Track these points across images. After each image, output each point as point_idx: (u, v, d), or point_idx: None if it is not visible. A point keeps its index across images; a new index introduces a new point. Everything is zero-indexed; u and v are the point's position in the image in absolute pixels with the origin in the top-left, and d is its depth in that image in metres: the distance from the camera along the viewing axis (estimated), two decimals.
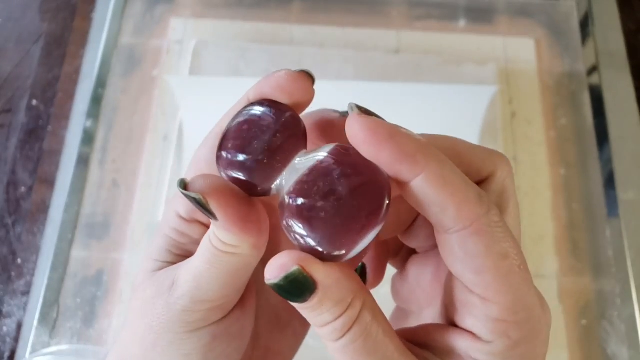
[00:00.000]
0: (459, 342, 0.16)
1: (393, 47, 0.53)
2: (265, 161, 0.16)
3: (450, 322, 0.17)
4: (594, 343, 0.43)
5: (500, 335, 0.15)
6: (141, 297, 0.19)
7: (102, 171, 0.48)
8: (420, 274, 0.21)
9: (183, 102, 0.48)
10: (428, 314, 0.20)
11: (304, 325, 0.23)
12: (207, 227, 0.19)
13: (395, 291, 0.22)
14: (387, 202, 0.15)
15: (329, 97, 0.49)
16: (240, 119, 0.17)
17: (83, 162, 0.48)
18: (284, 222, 0.15)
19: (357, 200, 0.15)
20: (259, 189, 0.17)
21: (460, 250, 0.15)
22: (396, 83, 0.50)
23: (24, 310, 0.43)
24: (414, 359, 0.16)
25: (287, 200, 0.15)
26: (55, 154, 0.48)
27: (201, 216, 0.19)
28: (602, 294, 0.45)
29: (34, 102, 0.51)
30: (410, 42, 0.53)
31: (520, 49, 0.53)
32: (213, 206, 0.16)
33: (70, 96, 0.51)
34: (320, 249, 0.15)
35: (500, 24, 0.55)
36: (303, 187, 0.15)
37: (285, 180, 0.16)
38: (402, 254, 0.22)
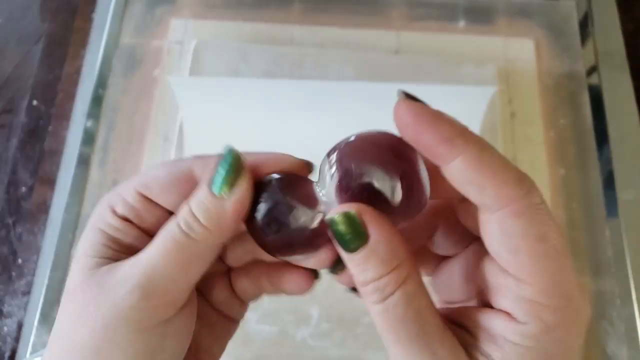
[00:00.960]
0: (495, 322, 0.16)
1: (393, 47, 0.53)
2: (300, 211, 0.18)
3: (486, 306, 0.17)
4: (593, 343, 0.43)
5: (534, 317, 0.15)
6: (80, 299, 0.17)
7: (103, 171, 0.48)
8: (452, 274, 0.21)
9: (183, 102, 0.48)
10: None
11: (233, 323, 0.23)
12: (141, 230, 0.19)
13: (437, 285, 0.22)
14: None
15: (329, 97, 0.50)
16: (264, 206, 0.18)
17: (84, 162, 0.48)
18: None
19: (388, 172, 0.17)
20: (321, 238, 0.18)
21: (499, 229, 0.15)
22: (396, 83, 0.50)
23: (24, 310, 0.43)
24: (451, 337, 0.16)
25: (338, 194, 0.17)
26: (56, 154, 0.49)
27: (138, 221, 0.19)
28: (602, 294, 0.45)
29: (35, 102, 0.51)
30: (410, 42, 0.54)
31: (520, 49, 0.53)
32: (239, 185, 0.17)
33: (70, 96, 0.51)
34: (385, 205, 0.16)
35: (500, 25, 0.55)
36: (342, 187, 0.17)
37: (323, 204, 0.17)
38: (431, 260, 0.22)
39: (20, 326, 0.43)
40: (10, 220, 0.47)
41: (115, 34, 0.53)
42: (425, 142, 0.15)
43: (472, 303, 0.19)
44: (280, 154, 0.19)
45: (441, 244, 0.21)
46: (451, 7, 0.55)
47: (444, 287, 0.21)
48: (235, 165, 0.17)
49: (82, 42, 0.53)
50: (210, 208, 0.17)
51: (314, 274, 0.21)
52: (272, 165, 0.18)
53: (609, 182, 0.48)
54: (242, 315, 0.23)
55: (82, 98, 0.50)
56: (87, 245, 0.19)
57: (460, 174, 0.15)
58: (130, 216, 0.19)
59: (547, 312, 0.15)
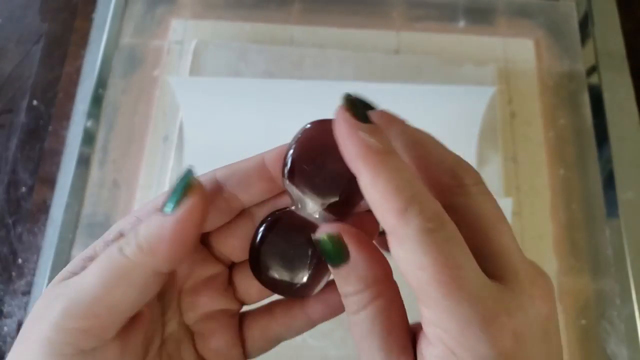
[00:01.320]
0: (424, 345, 0.17)
1: (393, 47, 0.53)
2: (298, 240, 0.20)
3: None
4: (593, 343, 0.43)
5: (438, 340, 0.15)
6: (37, 305, 0.17)
7: (103, 171, 0.48)
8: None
9: (183, 102, 0.48)
10: None
11: None
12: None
13: None
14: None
15: (329, 98, 0.49)
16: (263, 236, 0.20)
17: (84, 162, 0.48)
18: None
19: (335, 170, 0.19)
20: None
21: (394, 252, 0.16)
22: (396, 83, 0.51)
23: (24, 310, 0.43)
24: (411, 353, 0.17)
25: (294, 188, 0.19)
26: (56, 154, 0.49)
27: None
28: (602, 293, 0.45)
29: (35, 102, 0.51)
30: (409, 42, 0.54)
31: (520, 49, 0.53)
32: (188, 199, 0.17)
33: (70, 96, 0.51)
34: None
35: (500, 25, 0.55)
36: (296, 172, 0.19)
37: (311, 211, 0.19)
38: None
39: (20, 326, 0.43)
40: (10, 220, 0.47)
41: (115, 34, 0.53)
42: (344, 153, 0.16)
43: None
44: (241, 164, 0.20)
45: None
46: (451, 7, 0.55)
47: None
48: (185, 184, 0.17)
49: (82, 42, 0.53)
50: (150, 226, 0.17)
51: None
52: (235, 180, 0.19)
53: (609, 182, 0.48)
54: (259, 350, 0.22)
55: (82, 98, 0.50)
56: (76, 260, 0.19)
57: (364, 193, 0.16)
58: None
59: (447, 338, 0.15)
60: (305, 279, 0.19)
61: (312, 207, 0.19)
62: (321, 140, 0.19)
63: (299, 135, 0.20)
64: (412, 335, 0.18)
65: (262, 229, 0.20)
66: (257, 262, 0.20)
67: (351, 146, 0.16)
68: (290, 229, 0.20)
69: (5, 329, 0.43)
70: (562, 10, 0.56)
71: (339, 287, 0.18)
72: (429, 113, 0.48)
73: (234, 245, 0.21)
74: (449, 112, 0.48)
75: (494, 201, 0.18)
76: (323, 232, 0.18)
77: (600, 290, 0.45)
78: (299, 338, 0.45)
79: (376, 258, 0.18)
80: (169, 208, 0.17)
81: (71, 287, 0.17)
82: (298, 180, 0.19)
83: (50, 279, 0.43)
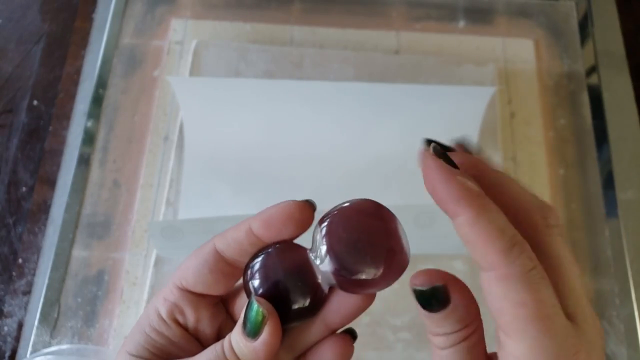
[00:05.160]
0: None
1: (393, 47, 0.53)
2: (299, 284, 0.20)
3: None
4: None
5: None
6: None
7: (103, 171, 0.48)
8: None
9: (183, 102, 0.48)
10: None
11: None
12: (186, 330, 0.22)
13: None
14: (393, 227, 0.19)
15: (329, 98, 0.50)
16: (254, 278, 0.21)
17: (84, 162, 0.48)
18: (348, 281, 0.19)
19: (371, 235, 0.19)
20: (318, 301, 0.20)
21: (486, 287, 0.17)
22: (396, 83, 0.51)
23: (25, 310, 0.43)
24: None
25: (334, 272, 0.19)
26: (56, 154, 0.49)
27: (182, 318, 0.22)
28: (601, 293, 0.45)
29: (35, 102, 0.51)
30: (409, 42, 0.54)
31: (520, 49, 0.53)
32: (267, 331, 0.19)
33: (71, 96, 0.51)
34: (366, 277, 0.19)
35: (500, 25, 0.55)
36: (334, 255, 0.19)
37: (322, 272, 0.20)
38: None
39: (20, 326, 0.43)
40: (10, 220, 0.47)
41: (115, 34, 0.53)
42: (437, 197, 0.17)
43: None
44: (284, 205, 0.20)
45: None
46: (451, 7, 0.55)
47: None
48: (256, 317, 0.19)
49: (83, 42, 0.53)
50: (244, 350, 0.19)
51: (351, 334, 0.22)
52: (280, 221, 0.20)
53: (608, 182, 0.48)
54: None
55: (83, 98, 0.50)
56: (131, 344, 0.21)
57: (460, 231, 0.17)
58: (173, 315, 0.21)
59: None
60: (307, 303, 0.20)
61: (325, 268, 0.20)
62: (368, 219, 0.19)
63: (346, 205, 0.20)
64: None
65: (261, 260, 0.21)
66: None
67: (451, 189, 0.17)
68: (290, 263, 0.20)
69: (6, 328, 0.43)
70: (562, 10, 0.56)
71: (431, 327, 0.18)
72: (428, 113, 0.48)
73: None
74: (448, 112, 0.48)
75: (566, 243, 0.19)
76: (424, 283, 0.18)
77: (599, 290, 0.45)
78: None
79: (470, 295, 0.18)
80: (250, 335, 0.19)
81: None
82: (334, 241, 0.19)
83: (51, 278, 0.43)
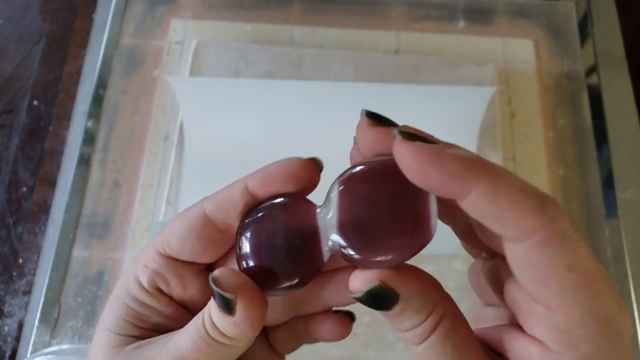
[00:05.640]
0: (529, 351, 0.16)
1: (393, 47, 0.53)
2: (298, 243, 0.17)
3: (520, 327, 0.17)
4: None
5: (568, 346, 0.15)
6: None
7: (103, 171, 0.48)
8: (483, 279, 0.20)
9: (184, 102, 0.48)
10: (502, 312, 0.20)
11: None
12: (172, 299, 0.19)
13: (470, 281, 0.22)
14: (431, 203, 0.16)
15: (329, 98, 0.50)
16: (247, 233, 0.18)
17: (84, 162, 0.48)
18: (353, 256, 0.16)
19: (394, 202, 0.16)
20: (315, 267, 0.17)
21: (524, 260, 0.14)
22: (396, 84, 0.51)
23: (25, 310, 0.43)
24: None
25: (342, 246, 0.16)
26: (57, 154, 0.49)
27: (165, 287, 0.19)
28: None
29: (35, 102, 0.51)
30: (409, 42, 0.54)
31: (519, 49, 0.53)
32: (240, 307, 0.16)
33: (71, 96, 0.51)
34: (388, 256, 0.16)
35: (499, 25, 0.55)
36: (345, 226, 0.16)
37: (327, 237, 0.17)
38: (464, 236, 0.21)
39: (20, 326, 0.43)
40: (10, 220, 0.47)
41: (115, 34, 0.53)
42: (433, 184, 0.14)
43: (505, 315, 0.19)
44: (286, 162, 0.18)
45: (464, 240, 0.20)
46: (451, 8, 0.55)
47: (479, 286, 0.21)
48: (223, 298, 0.16)
49: (83, 42, 0.53)
50: (225, 325, 0.17)
51: (349, 317, 0.20)
52: (279, 179, 0.18)
53: (608, 182, 0.48)
54: (289, 349, 0.22)
55: (83, 98, 0.50)
56: (111, 319, 0.18)
57: (477, 208, 0.14)
58: (155, 284, 0.19)
59: (583, 342, 0.14)
60: (300, 275, 0.18)
61: (334, 240, 0.16)
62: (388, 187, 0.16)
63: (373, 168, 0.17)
64: (480, 341, 0.17)
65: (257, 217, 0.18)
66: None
67: (448, 169, 0.14)
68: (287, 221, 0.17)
69: (6, 328, 0.43)
70: (562, 10, 0.56)
71: (394, 325, 0.16)
72: (428, 113, 0.48)
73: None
74: (448, 112, 0.48)
75: None
76: (359, 289, 0.16)
77: None
78: None
79: (425, 279, 0.16)
80: (226, 313, 0.17)
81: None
82: (346, 213, 0.16)
83: (51, 278, 0.43)
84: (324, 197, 0.17)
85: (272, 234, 0.17)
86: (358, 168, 0.16)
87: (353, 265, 0.16)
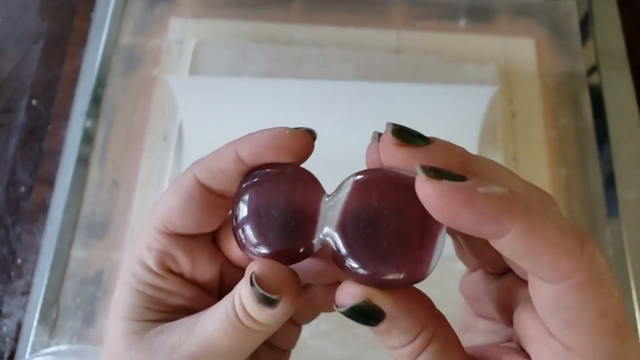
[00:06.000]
0: None
1: (393, 46, 0.53)
2: (294, 224, 0.16)
3: (522, 348, 0.16)
4: None
5: None
6: None
7: (102, 171, 0.48)
8: (485, 292, 0.19)
9: (183, 102, 0.48)
10: (497, 327, 0.19)
11: (284, 356, 0.22)
12: (183, 278, 0.19)
13: (464, 291, 0.21)
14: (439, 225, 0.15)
15: (329, 97, 0.49)
16: (249, 192, 0.17)
17: (83, 161, 0.48)
18: (342, 262, 0.15)
19: (403, 224, 0.15)
20: (301, 251, 0.16)
21: (554, 300, 0.14)
22: (396, 83, 0.50)
23: (23, 310, 0.43)
24: None
25: (336, 245, 0.15)
26: (55, 154, 0.48)
27: (175, 266, 0.18)
28: None
29: (34, 101, 0.51)
30: (410, 41, 0.53)
31: (521, 49, 0.53)
32: (282, 303, 0.16)
33: (70, 96, 0.51)
34: (380, 277, 0.15)
35: (501, 24, 0.55)
36: (347, 228, 0.15)
37: (324, 230, 0.16)
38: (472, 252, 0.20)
39: (19, 326, 0.43)
40: (9, 220, 0.47)
41: (114, 33, 0.52)
42: (464, 226, 0.13)
43: (507, 330, 0.18)
44: (277, 133, 0.17)
45: (473, 255, 0.19)
46: (452, 6, 0.55)
47: (475, 298, 0.20)
48: (267, 297, 0.16)
49: (82, 41, 0.53)
50: (261, 314, 0.16)
51: None
52: (273, 151, 0.17)
53: (609, 181, 0.48)
54: (294, 344, 0.22)
55: (81, 97, 0.50)
56: (125, 307, 0.18)
57: (511, 249, 0.13)
58: (164, 264, 0.18)
59: None
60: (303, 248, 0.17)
61: (329, 236, 0.16)
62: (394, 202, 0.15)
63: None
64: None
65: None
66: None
67: (482, 209, 0.13)
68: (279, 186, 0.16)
69: (5, 329, 0.43)
70: (563, 9, 0.56)
71: (382, 341, 0.16)
72: (429, 113, 0.48)
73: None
74: (449, 111, 0.48)
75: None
76: (343, 304, 0.15)
77: None
78: None
79: (415, 298, 0.15)
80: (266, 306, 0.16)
81: (199, 344, 0.17)
82: (350, 219, 0.15)
83: (50, 279, 0.43)
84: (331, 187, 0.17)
85: (271, 203, 0.16)
86: (379, 174, 0.15)
87: (339, 268, 0.16)
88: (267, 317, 0.16)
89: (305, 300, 0.20)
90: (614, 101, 0.51)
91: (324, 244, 0.16)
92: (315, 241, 0.16)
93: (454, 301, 0.22)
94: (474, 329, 0.20)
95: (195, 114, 0.48)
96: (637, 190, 0.47)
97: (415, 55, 0.52)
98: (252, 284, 0.16)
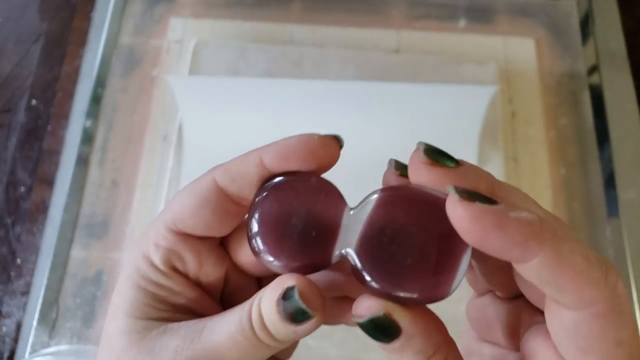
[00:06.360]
0: None
1: (393, 46, 0.53)
2: (314, 234, 0.16)
3: None
4: None
5: None
6: None
7: (102, 171, 0.48)
8: (492, 317, 0.19)
9: (182, 102, 0.48)
10: (501, 352, 0.19)
11: None
12: (188, 278, 0.18)
13: (470, 315, 0.21)
14: (465, 247, 0.15)
15: (328, 98, 0.49)
16: (270, 197, 0.16)
17: (82, 161, 0.48)
18: (363, 278, 0.15)
19: (428, 242, 0.15)
20: (319, 263, 0.16)
21: (573, 327, 0.14)
22: (396, 83, 0.50)
23: (23, 311, 0.43)
24: None
25: (358, 259, 0.15)
26: (55, 154, 0.48)
27: (181, 265, 0.18)
28: None
29: (34, 101, 0.51)
30: (410, 41, 0.53)
31: (521, 48, 0.53)
32: (312, 321, 0.16)
33: (69, 96, 0.51)
34: (401, 293, 0.15)
35: (501, 24, 0.55)
36: (370, 242, 0.15)
37: (344, 243, 0.16)
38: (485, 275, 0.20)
39: (19, 326, 0.43)
40: (9, 220, 0.47)
41: (114, 33, 0.52)
42: (492, 249, 0.13)
43: (510, 357, 0.18)
44: (305, 138, 0.17)
45: (485, 278, 0.19)
46: (452, 6, 0.55)
47: (481, 321, 0.20)
48: (301, 314, 0.16)
49: (81, 41, 0.53)
50: (282, 329, 0.16)
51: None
52: (299, 157, 0.17)
53: (609, 181, 0.48)
54: (292, 353, 0.21)
55: (81, 97, 0.50)
56: (127, 304, 0.18)
57: (536, 274, 0.14)
58: (170, 263, 0.18)
59: None
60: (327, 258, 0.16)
61: (350, 249, 0.16)
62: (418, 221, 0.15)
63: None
64: None
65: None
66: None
67: (512, 234, 0.13)
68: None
69: (4, 329, 0.43)
70: (563, 9, 0.56)
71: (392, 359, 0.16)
72: (429, 112, 0.48)
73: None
74: (449, 111, 0.48)
75: None
76: (362, 315, 0.15)
77: None
78: None
79: (431, 320, 0.15)
80: (295, 322, 0.16)
81: (205, 350, 0.17)
82: (374, 233, 0.15)
83: (49, 279, 0.43)
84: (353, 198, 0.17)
85: (291, 212, 0.16)
86: (406, 192, 0.16)
87: (359, 281, 0.16)
88: (288, 334, 0.16)
89: None
90: (614, 101, 0.51)
91: (343, 257, 0.16)
92: (335, 254, 0.16)
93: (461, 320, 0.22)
94: (477, 354, 0.20)
95: (195, 114, 0.48)
96: (638, 190, 0.47)
97: (415, 56, 0.52)
98: (286, 297, 0.16)
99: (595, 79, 0.52)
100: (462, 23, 0.55)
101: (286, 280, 0.16)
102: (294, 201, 0.16)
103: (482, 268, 0.18)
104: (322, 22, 0.54)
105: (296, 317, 0.16)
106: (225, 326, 0.17)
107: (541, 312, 0.17)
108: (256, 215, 0.16)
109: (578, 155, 0.49)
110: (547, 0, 0.56)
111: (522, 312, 0.18)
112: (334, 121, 0.47)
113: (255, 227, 0.16)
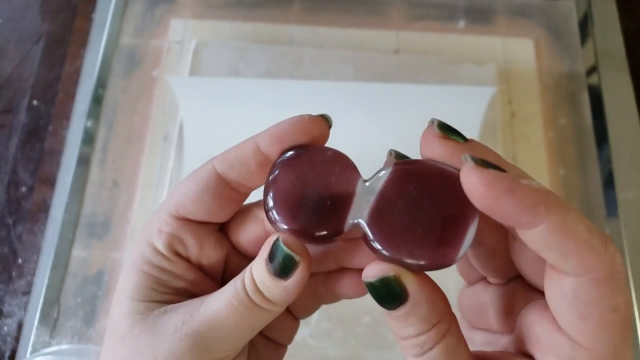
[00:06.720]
0: None
1: (392, 47, 0.53)
2: (329, 204, 0.17)
3: (523, 353, 0.17)
4: None
5: None
6: (133, 345, 0.17)
7: (103, 171, 0.48)
8: (485, 303, 0.20)
9: (183, 102, 0.48)
10: (493, 338, 0.20)
11: (281, 350, 0.22)
12: (189, 262, 0.19)
13: (462, 304, 0.21)
14: (474, 217, 0.16)
15: (328, 98, 0.50)
16: (287, 166, 0.17)
17: (84, 162, 0.48)
18: (373, 246, 0.16)
19: (438, 212, 0.16)
20: (331, 231, 0.17)
21: (572, 293, 0.15)
22: (396, 83, 0.51)
23: (24, 310, 0.43)
24: None
25: (370, 227, 0.16)
26: (56, 154, 0.49)
27: (182, 249, 0.19)
28: None
29: (35, 102, 0.51)
30: (409, 42, 0.54)
31: (520, 49, 0.53)
32: (299, 271, 0.16)
33: (70, 96, 0.51)
34: (411, 260, 0.16)
35: (500, 25, 0.55)
36: (383, 211, 0.16)
37: (357, 213, 0.16)
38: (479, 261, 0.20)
39: (20, 326, 0.43)
40: (10, 220, 0.47)
41: (115, 34, 0.53)
42: (504, 213, 0.14)
43: (502, 340, 0.19)
44: (297, 119, 0.18)
45: (480, 263, 0.20)
46: (451, 7, 0.55)
47: (473, 309, 0.21)
48: (287, 261, 0.17)
49: (82, 41, 0.53)
50: (272, 288, 0.17)
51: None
52: (292, 135, 0.17)
53: (608, 181, 0.48)
54: (291, 339, 0.22)
55: (82, 98, 0.50)
56: (131, 288, 0.18)
57: (542, 239, 0.14)
58: (172, 247, 0.19)
59: None
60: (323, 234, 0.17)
61: (362, 219, 0.16)
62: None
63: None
64: None
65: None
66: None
67: (521, 199, 0.14)
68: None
69: (5, 328, 0.43)
70: (562, 10, 0.56)
71: (395, 329, 0.16)
72: (428, 113, 0.48)
73: (254, 231, 0.20)
74: (448, 112, 0.48)
75: None
76: (374, 275, 0.16)
77: None
78: (298, 337, 0.45)
79: (437, 291, 0.16)
80: (281, 275, 0.17)
81: (203, 323, 0.17)
82: (387, 203, 0.16)
83: (50, 278, 0.43)
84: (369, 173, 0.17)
85: (308, 182, 0.17)
86: (418, 165, 0.16)
87: (369, 249, 0.16)
88: (280, 293, 0.17)
89: (305, 291, 0.21)
90: (613, 101, 0.51)
91: (354, 227, 0.16)
92: (348, 223, 0.17)
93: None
94: (469, 342, 0.21)
95: (195, 114, 0.48)
96: (636, 191, 0.47)
97: (415, 56, 0.53)
98: (272, 253, 0.16)
99: (594, 79, 0.52)
100: (461, 24, 0.55)
101: (272, 238, 0.17)
102: (311, 172, 0.17)
103: (477, 254, 0.19)
104: (322, 23, 0.54)
105: (284, 269, 0.16)
106: (221, 296, 0.17)
107: (537, 291, 0.18)
108: (274, 185, 0.17)
109: (577, 156, 0.50)
110: (546, 1, 0.56)
111: (516, 293, 0.18)
112: (334, 121, 0.47)
113: (272, 195, 0.17)
